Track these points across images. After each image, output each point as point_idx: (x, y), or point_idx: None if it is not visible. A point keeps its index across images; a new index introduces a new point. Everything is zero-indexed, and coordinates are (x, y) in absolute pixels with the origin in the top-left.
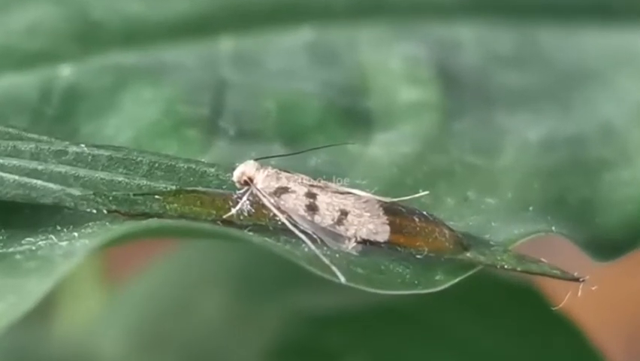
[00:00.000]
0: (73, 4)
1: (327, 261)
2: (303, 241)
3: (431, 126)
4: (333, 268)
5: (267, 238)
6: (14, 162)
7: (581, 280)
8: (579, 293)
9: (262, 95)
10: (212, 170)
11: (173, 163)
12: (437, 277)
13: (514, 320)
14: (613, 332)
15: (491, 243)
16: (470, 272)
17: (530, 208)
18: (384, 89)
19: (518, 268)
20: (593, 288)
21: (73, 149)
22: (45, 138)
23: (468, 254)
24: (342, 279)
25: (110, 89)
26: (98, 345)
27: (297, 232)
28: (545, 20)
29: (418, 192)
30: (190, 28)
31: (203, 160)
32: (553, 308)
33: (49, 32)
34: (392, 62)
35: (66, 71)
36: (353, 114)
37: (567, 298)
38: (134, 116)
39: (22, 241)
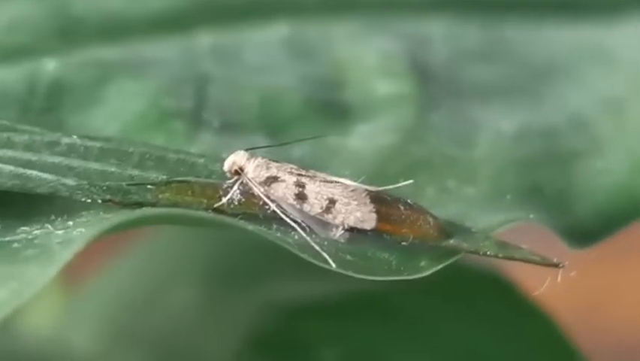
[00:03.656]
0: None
1: (318, 248)
2: (294, 229)
3: (408, 118)
4: (324, 254)
5: (259, 226)
6: (9, 153)
7: (560, 265)
8: (559, 279)
9: (243, 89)
10: (202, 161)
11: (163, 154)
12: (422, 264)
13: (489, 310)
14: (585, 322)
15: (473, 230)
16: (454, 258)
17: (508, 197)
18: (361, 83)
19: (500, 255)
20: (572, 274)
21: (65, 140)
22: (37, 129)
23: (451, 241)
24: (333, 265)
25: (94, 83)
26: (65, 345)
27: (287, 219)
28: (512, 16)
29: (400, 182)
30: (168, 23)
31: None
32: (529, 296)
33: (31, 28)
34: (367, 56)
35: (50, 65)
36: (332, 107)
37: (538, 288)
38: (119, 110)
39: (18, 230)
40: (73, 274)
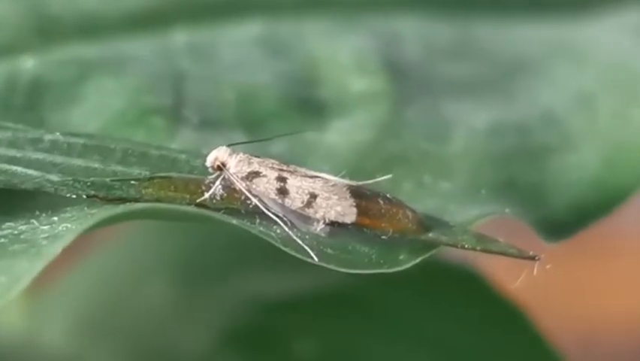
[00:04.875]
0: None
1: (300, 242)
2: (276, 223)
3: (383, 114)
4: (307, 248)
5: (242, 221)
6: None
7: (536, 258)
8: (535, 272)
9: (220, 86)
10: (183, 157)
11: (145, 150)
12: (401, 257)
13: (464, 305)
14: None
15: (450, 224)
16: (432, 251)
17: (483, 191)
18: (336, 80)
19: (478, 247)
20: (547, 267)
21: (48, 137)
22: (20, 126)
23: (430, 234)
24: (316, 259)
25: (73, 81)
26: (37, 344)
27: (269, 214)
28: (482, 14)
29: (377, 177)
30: (144, 21)
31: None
32: (504, 292)
33: (9, 26)
34: (341, 53)
35: (29, 64)
36: (308, 104)
37: (512, 282)
38: (99, 107)
39: (3, 226)
40: (43, 272)
